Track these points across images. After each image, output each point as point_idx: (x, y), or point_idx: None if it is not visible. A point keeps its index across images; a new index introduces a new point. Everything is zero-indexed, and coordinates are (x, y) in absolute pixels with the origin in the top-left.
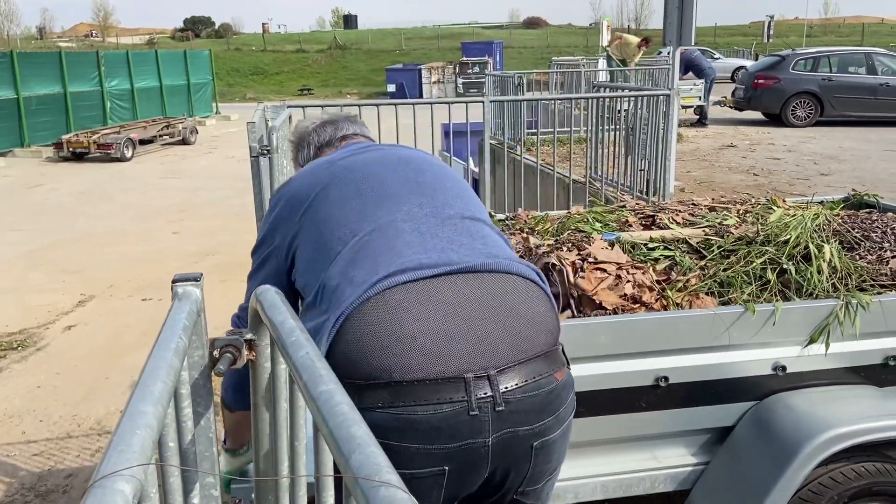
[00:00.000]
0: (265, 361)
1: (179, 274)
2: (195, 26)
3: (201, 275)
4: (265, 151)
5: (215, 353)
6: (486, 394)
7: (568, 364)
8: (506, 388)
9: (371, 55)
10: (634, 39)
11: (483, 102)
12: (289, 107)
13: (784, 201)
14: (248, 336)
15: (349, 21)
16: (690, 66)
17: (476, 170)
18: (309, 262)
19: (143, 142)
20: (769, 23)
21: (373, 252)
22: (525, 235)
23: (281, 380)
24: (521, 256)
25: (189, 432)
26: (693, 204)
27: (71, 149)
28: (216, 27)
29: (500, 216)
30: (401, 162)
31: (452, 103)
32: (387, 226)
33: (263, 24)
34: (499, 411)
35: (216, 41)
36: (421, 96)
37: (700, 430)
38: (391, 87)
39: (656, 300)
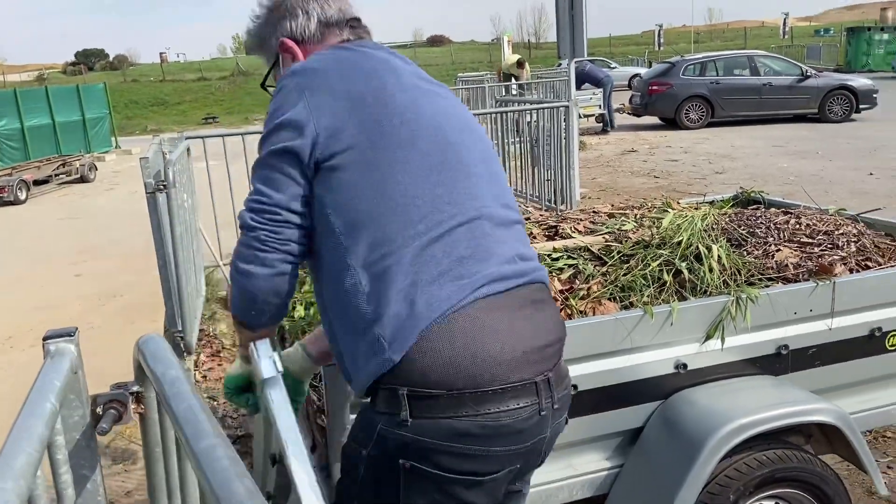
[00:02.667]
0: (154, 414)
1: (52, 330)
2: (88, 59)
3: (76, 329)
4: (162, 187)
5: (98, 410)
6: (548, 395)
7: None
8: (556, 387)
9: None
10: (514, 58)
11: None
12: (187, 138)
13: (678, 203)
14: (135, 389)
15: None
16: (586, 78)
17: None
18: (362, 213)
19: (37, 182)
20: (659, 31)
21: (460, 252)
22: None
23: (170, 433)
24: None
25: (70, 500)
26: (594, 211)
27: None
28: (110, 59)
29: None
30: (468, 128)
31: None
32: (473, 222)
33: (161, 53)
34: (554, 409)
35: (111, 73)
36: None
37: (612, 434)
38: None
39: (561, 310)
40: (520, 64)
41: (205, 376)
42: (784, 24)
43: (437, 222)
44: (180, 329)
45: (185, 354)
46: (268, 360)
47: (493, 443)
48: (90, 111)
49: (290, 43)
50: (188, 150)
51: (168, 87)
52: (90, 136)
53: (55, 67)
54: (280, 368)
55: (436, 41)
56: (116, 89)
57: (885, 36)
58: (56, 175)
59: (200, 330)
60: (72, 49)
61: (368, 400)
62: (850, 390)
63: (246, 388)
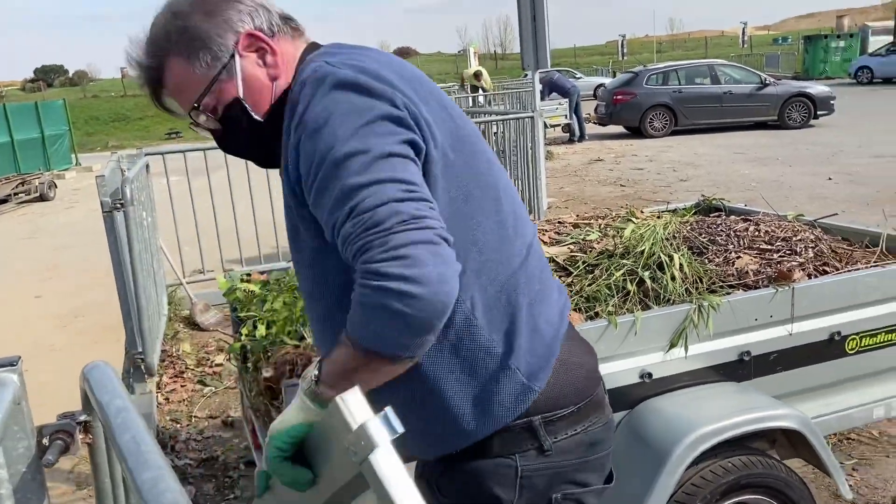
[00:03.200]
0: (102, 444)
1: None
2: (47, 76)
3: (19, 358)
4: (119, 205)
5: (45, 441)
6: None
7: None
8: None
9: None
10: (471, 71)
11: None
12: (146, 154)
13: (641, 212)
14: (82, 418)
15: None
16: (554, 88)
17: None
18: (487, 238)
19: None
20: (622, 41)
21: (541, 266)
22: None
23: (118, 464)
24: None
25: None
26: (559, 222)
27: None
28: (70, 75)
29: None
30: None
31: None
32: (533, 246)
33: (122, 69)
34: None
35: (71, 89)
36: None
37: None
38: None
39: None
40: (476, 76)
41: (167, 398)
42: (743, 33)
43: (524, 236)
44: (141, 350)
45: (146, 376)
46: (378, 420)
47: (607, 446)
48: (49, 128)
49: (261, 35)
50: (147, 166)
51: (129, 102)
52: (49, 154)
53: (14, 84)
54: (399, 427)
55: (402, 54)
56: (76, 105)
57: (842, 43)
58: (15, 194)
59: (163, 350)
60: (30, 66)
61: (445, 456)
62: (812, 395)
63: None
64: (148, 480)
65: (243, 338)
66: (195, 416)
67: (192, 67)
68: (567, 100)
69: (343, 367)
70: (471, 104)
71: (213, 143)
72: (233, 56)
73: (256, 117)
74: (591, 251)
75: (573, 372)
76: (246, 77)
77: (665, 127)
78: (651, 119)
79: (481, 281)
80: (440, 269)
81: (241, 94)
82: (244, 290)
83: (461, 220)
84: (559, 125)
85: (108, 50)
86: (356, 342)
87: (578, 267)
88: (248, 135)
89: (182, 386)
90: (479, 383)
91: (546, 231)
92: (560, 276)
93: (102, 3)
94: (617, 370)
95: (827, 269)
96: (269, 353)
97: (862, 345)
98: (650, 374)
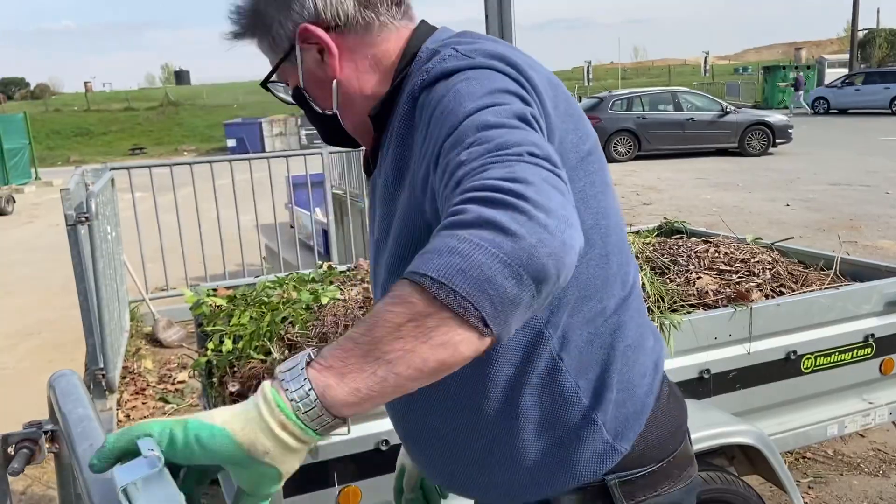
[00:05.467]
0: (68, 453)
1: None
2: (7, 88)
3: None
4: (83, 219)
5: (10, 449)
6: None
7: None
8: None
9: (207, 110)
10: None
11: (321, 154)
12: (111, 169)
13: None
14: (49, 427)
15: (181, 77)
16: None
17: (325, 220)
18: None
19: None
20: (588, 67)
21: (639, 319)
22: (366, 286)
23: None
24: (360, 307)
25: None
26: None
27: None
28: (32, 88)
29: (342, 267)
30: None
31: (290, 156)
32: (636, 287)
33: (86, 83)
34: None
35: (32, 103)
36: (263, 150)
37: None
38: (231, 142)
39: None
40: None
41: (128, 415)
42: (705, 62)
43: (626, 275)
44: (101, 366)
45: (107, 392)
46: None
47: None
48: (8, 142)
49: (316, 31)
50: (112, 181)
51: (93, 116)
52: (8, 168)
53: None
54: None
55: None
56: (37, 119)
57: (800, 74)
58: None
59: (124, 367)
60: None
61: None
62: (769, 413)
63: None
64: (101, 490)
65: (209, 352)
66: None
67: (262, 46)
68: None
69: (380, 335)
70: None
71: (180, 160)
72: (293, 47)
73: (320, 110)
74: None
75: (662, 428)
76: (305, 71)
77: (629, 151)
78: (615, 144)
79: (574, 319)
80: (568, 212)
81: (301, 85)
82: (210, 304)
83: None
84: None
85: (71, 64)
86: (431, 287)
87: None
88: (319, 120)
89: (143, 403)
90: (558, 435)
91: None
92: None
93: (65, 16)
94: None
95: (783, 290)
96: (236, 368)
97: (816, 364)
98: None
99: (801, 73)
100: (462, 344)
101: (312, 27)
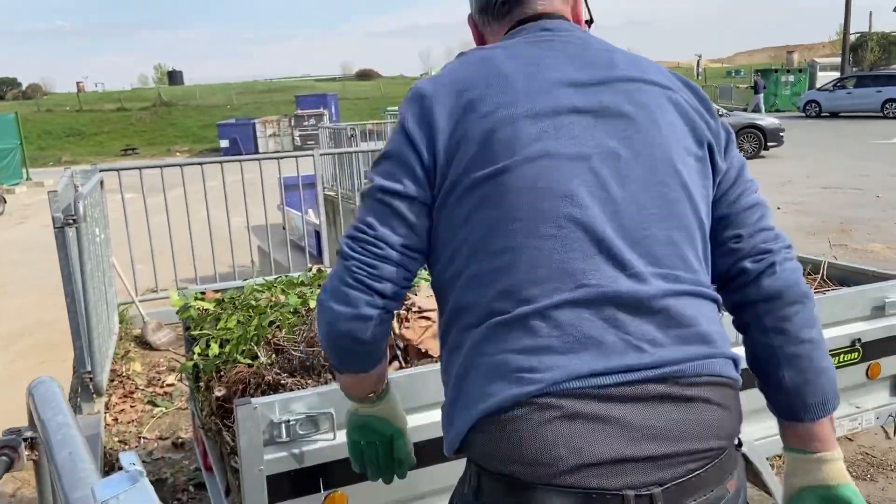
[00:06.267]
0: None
1: None
2: None
3: None
4: (71, 221)
5: None
6: None
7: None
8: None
9: (200, 111)
10: None
11: (313, 156)
12: (101, 170)
13: None
14: (28, 434)
15: (174, 77)
16: None
17: (317, 222)
18: None
19: None
20: None
21: None
22: None
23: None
24: None
25: None
26: None
27: None
28: (23, 88)
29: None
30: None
31: (282, 158)
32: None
33: (78, 83)
34: None
35: (24, 103)
36: (257, 150)
37: None
38: (224, 143)
39: None
40: None
41: (116, 419)
42: (697, 65)
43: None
44: (89, 370)
45: (94, 396)
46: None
47: None
48: (0, 142)
49: (473, 22)
50: (101, 182)
51: (85, 117)
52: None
53: None
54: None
55: (365, 75)
56: (29, 119)
57: (791, 77)
58: None
59: (112, 370)
60: None
61: None
62: (755, 417)
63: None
64: (80, 499)
65: (196, 356)
66: (144, 437)
67: None
68: None
69: None
70: None
71: (171, 161)
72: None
73: None
74: None
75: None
76: None
77: None
78: None
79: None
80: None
81: None
82: (198, 308)
83: None
84: None
85: (64, 64)
86: None
87: None
88: None
89: (131, 406)
90: None
91: None
92: None
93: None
94: None
95: None
96: (222, 373)
97: None
98: None
99: (761, 77)
100: None
101: (470, 19)
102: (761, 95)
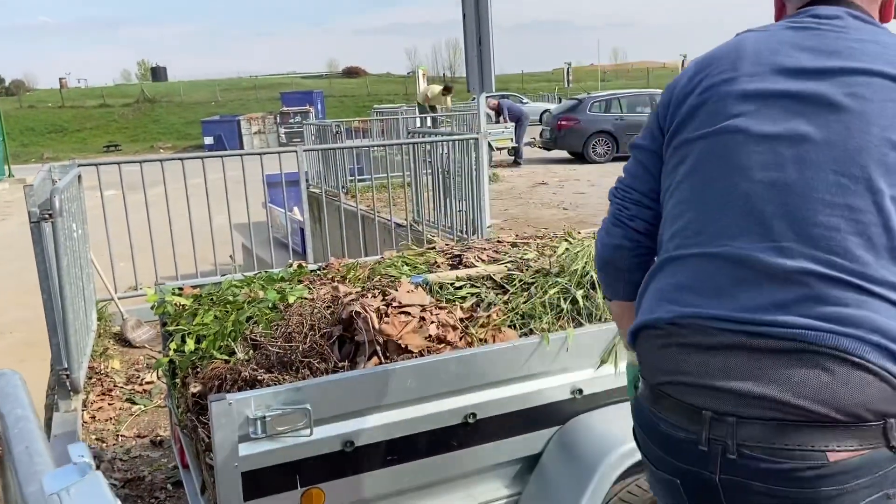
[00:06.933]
0: None
1: None
2: None
3: None
4: (47, 216)
5: None
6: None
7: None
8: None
9: (184, 107)
10: (438, 87)
11: (297, 152)
12: (79, 165)
13: (579, 233)
14: None
15: (157, 73)
16: (511, 112)
17: (302, 219)
18: None
19: None
20: (568, 69)
21: None
22: (335, 284)
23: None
24: (328, 306)
25: None
26: (498, 241)
27: None
28: (6, 84)
29: (313, 266)
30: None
31: (265, 154)
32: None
33: (61, 79)
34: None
35: (6, 99)
36: (241, 147)
37: (511, 462)
38: (208, 140)
39: (461, 338)
40: (447, 89)
41: (93, 416)
42: (682, 65)
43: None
44: (66, 366)
45: (71, 393)
46: None
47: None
48: None
49: None
50: (79, 177)
51: (68, 113)
52: None
53: None
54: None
55: (351, 73)
56: (11, 115)
57: None
58: None
59: (91, 367)
60: None
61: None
62: None
63: None
64: (34, 493)
65: (171, 353)
66: (122, 435)
67: None
68: (514, 124)
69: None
70: (419, 125)
71: (151, 156)
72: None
73: None
74: (527, 270)
75: None
76: None
77: (607, 153)
78: (594, 145)
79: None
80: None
81: None
82: (174, 304)
83: None
84: (505, 148)
85: (46, 59)
86: None
87: (515, 285)
88: None
89: (110, 404)
90: None
91: (485, 250)
92: (496, 294)
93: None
94: (549, 386)
95: None
96: (198, 369)
97: None
98: (581, 391)
99: None
100: None
101: None
102: None
